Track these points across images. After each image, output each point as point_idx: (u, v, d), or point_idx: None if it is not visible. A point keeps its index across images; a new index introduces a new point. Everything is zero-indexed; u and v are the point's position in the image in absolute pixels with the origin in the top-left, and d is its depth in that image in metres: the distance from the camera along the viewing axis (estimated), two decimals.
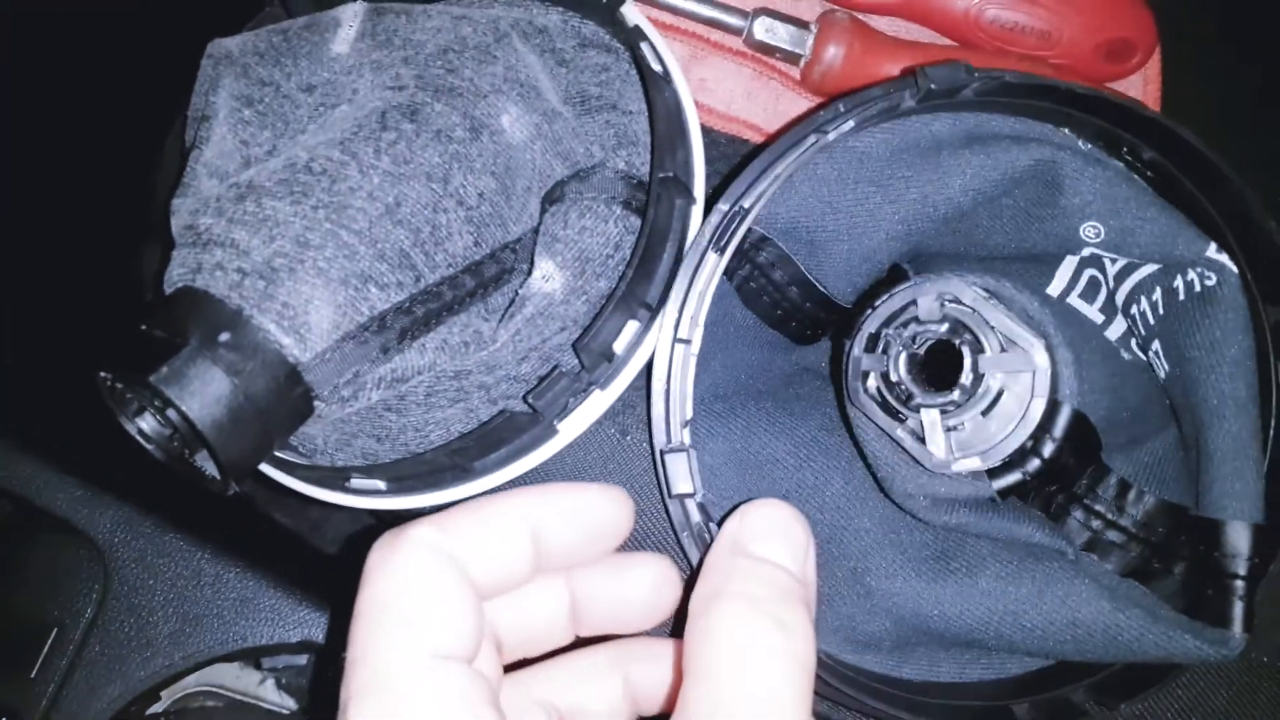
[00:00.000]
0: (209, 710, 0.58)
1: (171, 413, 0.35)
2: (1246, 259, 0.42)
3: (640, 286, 0.43)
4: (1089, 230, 0.44)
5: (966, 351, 0.43)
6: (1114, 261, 0.45)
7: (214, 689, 0.58)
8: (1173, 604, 0.41)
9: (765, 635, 0.29)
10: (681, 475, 0.41)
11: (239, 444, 0.36)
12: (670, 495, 0.41)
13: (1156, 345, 0.44)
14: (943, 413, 0.43)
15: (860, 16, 0.57)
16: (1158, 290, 0.44)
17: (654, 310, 0.44)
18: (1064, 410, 0.43)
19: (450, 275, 0.41)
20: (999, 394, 0.43)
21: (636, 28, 0.46)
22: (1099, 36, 0.55)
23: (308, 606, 0.53)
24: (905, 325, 0.45)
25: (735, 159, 0.58)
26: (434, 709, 0.26)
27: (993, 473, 0.44)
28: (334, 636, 0.52)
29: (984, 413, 0.43)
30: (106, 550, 0.52)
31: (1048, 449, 0.43)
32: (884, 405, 0.45)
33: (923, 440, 0.44)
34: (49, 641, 0.50)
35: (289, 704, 0.59)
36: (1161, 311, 0.43)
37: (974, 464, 0.43)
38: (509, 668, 0.34)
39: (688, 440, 0.41)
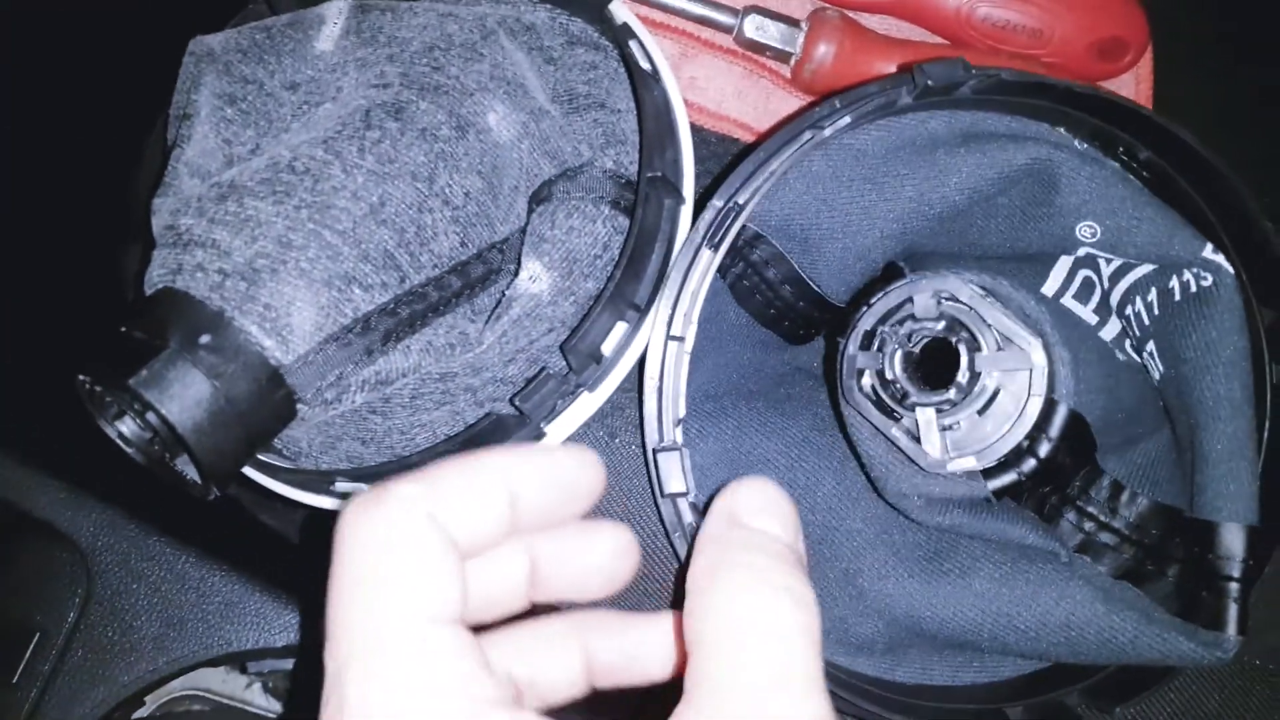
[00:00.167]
0: (195, 714, 0.57)
1: (151, 416, 0.35)
2: (1242, 260, 0.41)
3: (628, 287, 0.42)
4: (1085, 230, 0.43)
5: (963, 349, 0.43)
6: (1109, 262, 0.45)
7: (200, 693, 0.57)
8: (1166, 606, 0.41)
9: (774, 603, 0.29)
10: (674, 474, 0.40)
11: (220, 448, 0.36)
12: (663, 494, 0.40)
13: (1151, 346, 0.44)
14: (938, 411, 0.43)
15: (851, 14, 0.57)
16: (1153, 291, 0.43)
17: (642, 311, 0.43)
18: (1060, 410, 0.42)
19: (436, 276, 0.41)
20: (995, 393, 0.43)
21: (625, 25, 0.46)
22: (1091, 35, 0.54)
23: (293, 610, 0.52)
24: (901, 323, 0.44)
25: (726, 158, 0.57)
26: (436, 673, 0.25)
27: (988, 473, 0.44)
28: (313, 641, 0.52)
29: (980, 412, 0.43)
30: (89, 554, 0.51)
31: (1044, 449, 0.43)
32: (879, 403, 0.44)
33: (918, 439, 0.43)
34: (31, 647, 0.49)
35: (275, 708, 0.58)
36: (1157, 312, 0.43)
37: (969, 463, 0.43)
38: None
39: (680, 439, 0.41)
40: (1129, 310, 0.44)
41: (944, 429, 0.43)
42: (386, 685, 0.25)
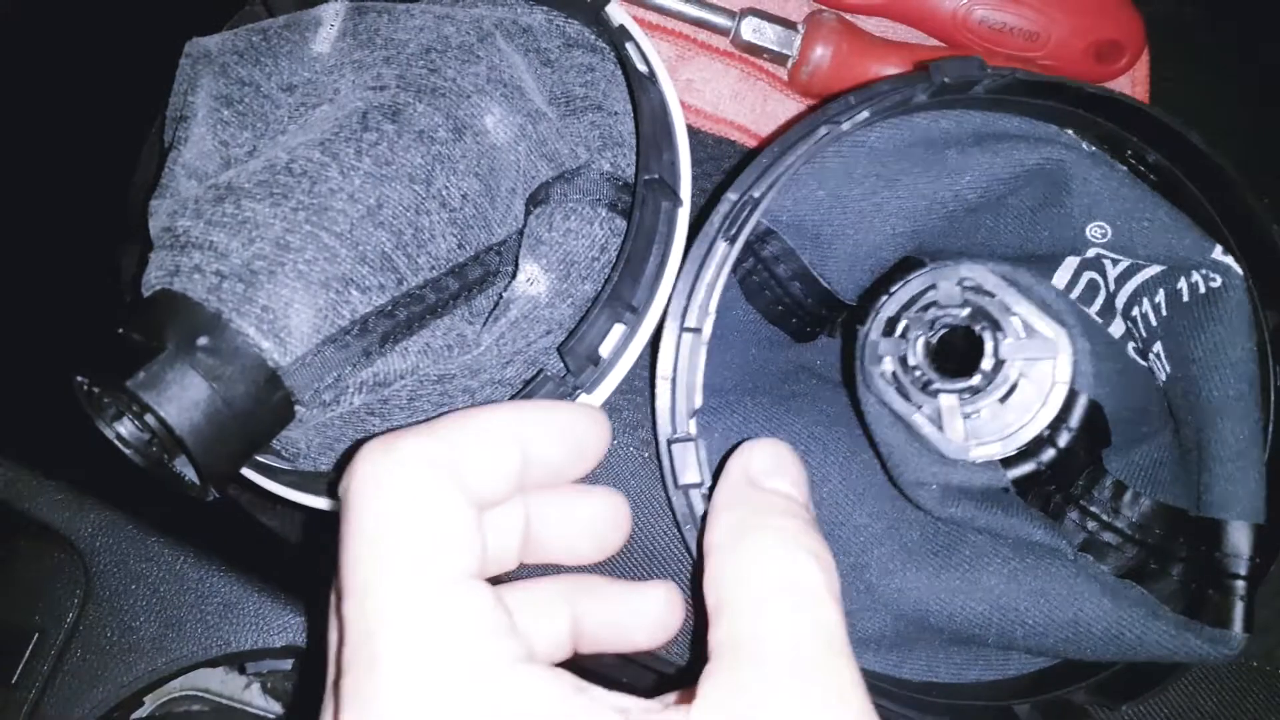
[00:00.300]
0: (194, 715, 0.57)
1: (149, 418, 0.35)
2: (1248, 263, 0.41)
3: (626, 289, 0.42)
4: (1095, 230, 0.43)
5: (988, 337, 0.42)
6: (1115, 263, 0.45)
7: (199, 693, 0.57)
8: (1170, 605, 0.41)
9: (803, 564, 0.29)
10: (689, 465, 0.40)
11: (218, 449, 0.36)
12: (676, 486, 0.40)
13: (1158, 347, 0.43)
14: (961, 398, 0.43)
15: (848, 17, 0.57)
16: (1161, 292, 0.43)
17: (639, 313, 0.43)
18: (1081, 400, 0.42)
19: (433, 278, 0.41)
20: (1017, 381, 0.42)
21: (621, 28, 0.46)
22: (1087, 38, 0.54)
23: (292, 611, 0.52)
24: (925, 309, 0.44)
25: (723, 160, 0.57)
26: (468, 630, 0.25)
27: (1007, 462, 0.43)
28: (316, 642, 0.52)
29: (1001, 400, 0.43)
30: (88, 554, 0.51)
31: (1063, 439, 0.43)
32: (900, 390, 0.44)
33: (939, 426, 0.43)
34: (30, 647, 0.49)
35: (274, 708, 0.58)
36: (1165, 313, 0.43)
37: (991, 451, 0.43)
38: None
39: (695, 430, 0.40)
40: (1135, 312, 0.44)
41: (966, 417, 0.43)
42: (422, 644, 0.25)
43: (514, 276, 0.42)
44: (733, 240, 0.41)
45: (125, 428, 0.37)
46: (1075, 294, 0.46)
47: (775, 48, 0.56)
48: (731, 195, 0.41)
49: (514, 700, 0.24)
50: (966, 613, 0.42)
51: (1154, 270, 0.43)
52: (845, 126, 0.42)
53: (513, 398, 0.42)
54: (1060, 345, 0.41)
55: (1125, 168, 0.44)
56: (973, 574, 0.42)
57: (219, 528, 0.55)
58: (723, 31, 0.56)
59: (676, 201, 0.44)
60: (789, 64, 0.56)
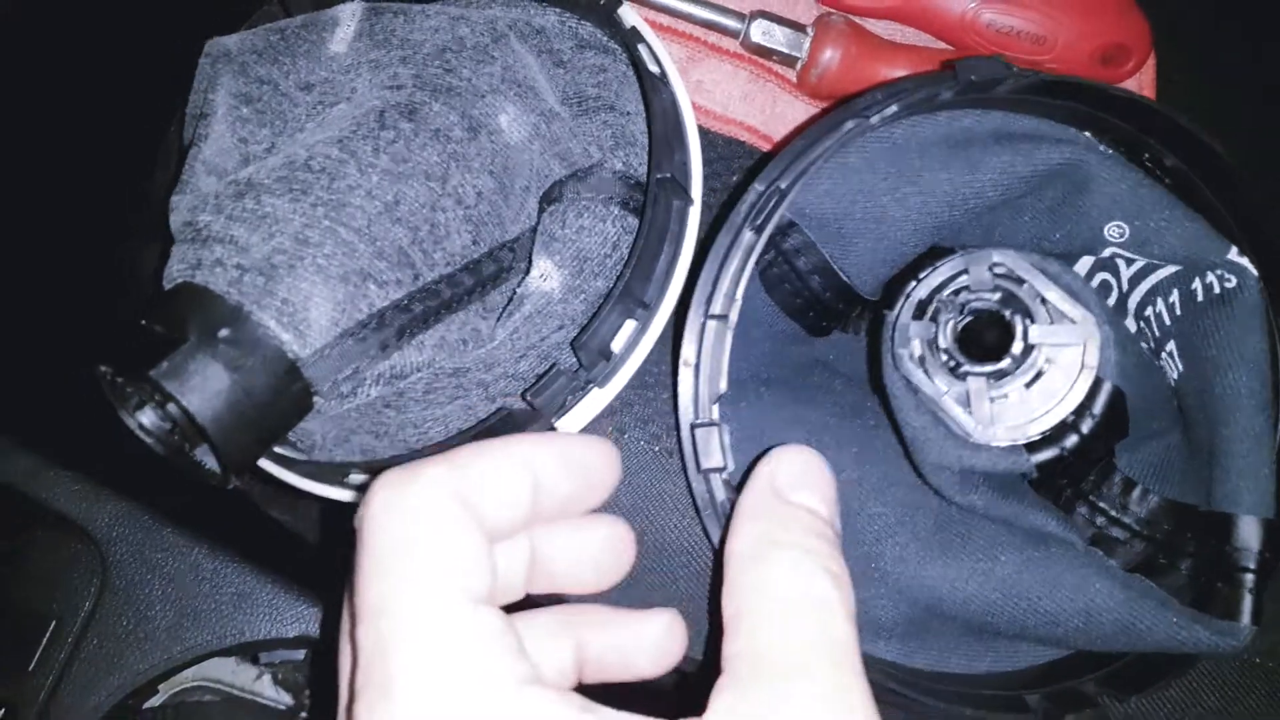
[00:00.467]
0: (205, 705, 0.58)
1: (172, 407, 0.36)
2: (1261, 265, 0.42)
3: (638, 286, 0.43)
4: (1113, 230, 0.44)
5: (1018, 322, 0.43)
6: (1130, 263, 0.45)
7: (210, 684, 0.58)
8: (1179, 598, 0.42)
9: (822, 588, 0.30)
10: (713, 450, 0.41)
11: (239, 438, 0.37)
12: (698, 470, 0.41)
13: (1171, 346, 0.44)
14: (989, 382, 0.43)
15: (856, 20, 0.58)
16: (1175, 292, 0.44)
17: (651, 309, 0.44)
18: (1105, 387, 0.43)
19: (449, 274, 0.42)
20: (1045, 366, 0.43)
21: (634, 29, 0.47)
22: (1094, 42, 0.55)
23: (305, 602, 0.53)
24: (956, 294, 0.45)
25: (732, 160, 0.58)
26: (481, 653, 0.26)
27: (1030, 447, 0.44)
28: (330, 631, 0.53)
29: (1028, 385, 0.43)
30: (104, 544, 0.52)
31: (1087, 425, 0.43)
32: (928, 373, 0.44)
33: (966, 409, 0.43)
34: (47, 635, 0.50)
35: (285, 699, 0.59)
36: (1179, 313, 0.43)
37: (1016, 435, 0.43)
38: None
39: (718, 415, 0.41)
40: (1149, 311, 0.45)
41: (992, 400, 0.43)
42: (435, 665, 0.25)
43: (528, 272, 0.43)
44: (759, 230, 0.41)
45: (147, 417, 0.38)
46: None
47: (784, 50, 0.56)
48: (759, 186, 0.42)
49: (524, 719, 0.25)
50: (980, 600, 0.43)
51: (1170, 270, 0.44)
52: (873, 120, 0.43)
53: (525, 391, 0.43)
54: (1089, 332, 0.42)
55: (1142, 170, 0.45)
56: (986, 562, 0.43)
57: (232, 521, 0.56)
58: (732, 34, 0.57)
59: (688, 200, 0.45)
60: (798, 66, 0.57)
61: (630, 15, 0.47)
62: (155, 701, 0.56)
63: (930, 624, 0.45)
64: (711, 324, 0.41)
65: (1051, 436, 0.43)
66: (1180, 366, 0.44)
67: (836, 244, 0.46)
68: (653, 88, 0.44)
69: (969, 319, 0.44)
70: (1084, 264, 0.47)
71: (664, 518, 0.52)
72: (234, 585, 0.52)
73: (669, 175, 0.43)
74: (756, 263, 0.44)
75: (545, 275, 0.43)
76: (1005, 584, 0.42)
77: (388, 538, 0.27)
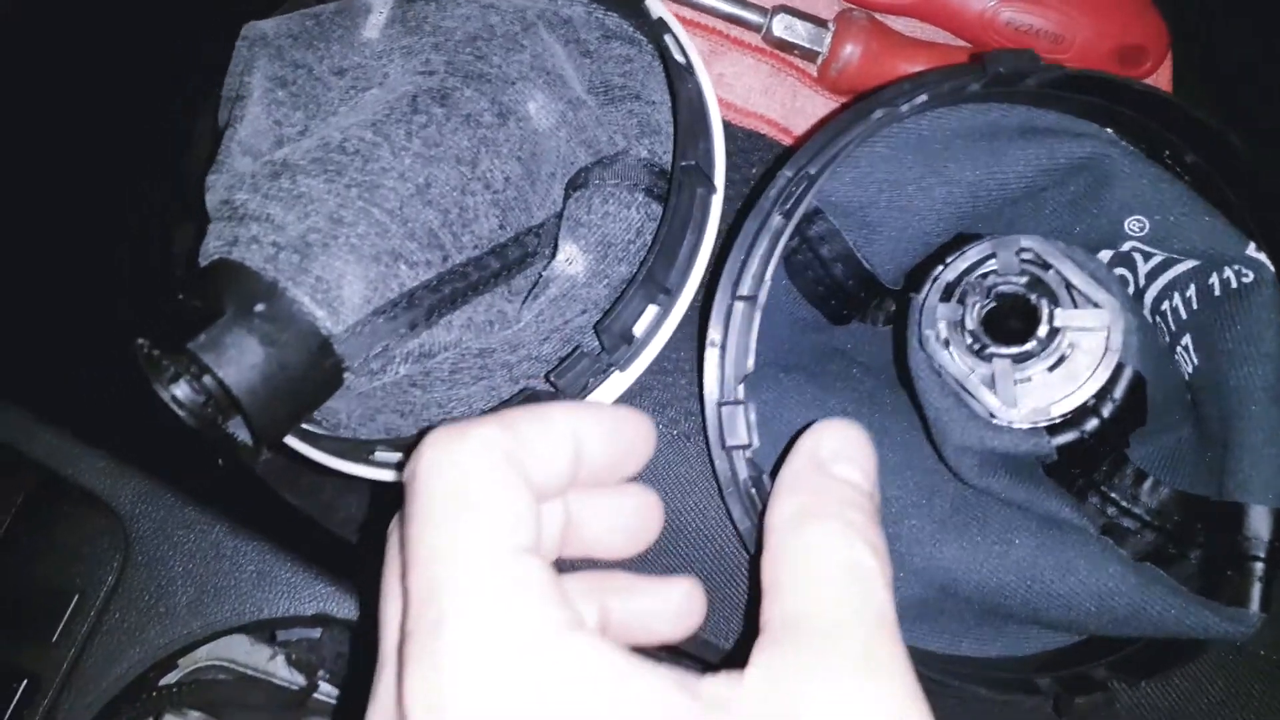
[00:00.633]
0: (220, 684, 0.59)
1: (207, 380, 0.37)
2: (1278, 264, 0.44)
3: (660, 271, 0.44)
4: (1134, 224, 0.45)
5: (1044, 305, 0.44)
6: (1148, 258, 0.46)
7: (225, 663, 0.59)
8: (1188, 587, 0.43)
9: (862, 556, 0.31)
10: (739, 427, 0.42)
11: (272, 411, 0.38)
12: (723, 447, 0.42)
13: (1187, 340, 0.45)
14: (1013, 364, 0.44)
15: (877, 16, 0.59)
16: (1192, 287, 0.45)
17: (673, 295, 0.45)
18: (1127, 372, 0.44)
19: (476, 256, 0.43)
20: (1070, 349, 0.44)
21: (660, 20, 0.48)
22: (1112, 41, 0.56)
23: (323, 582, 0.54)
24: (984, 277, 0.46)
25: (753, 154, 0.59)
26: (529, 599, 0.27)
27: (1051, 430, 0.45)
28: (345, 610, 0.54)
29: (1052, 368, 0.44)
30: (128, 521, 0.53)
31: (1107, 409, 0.44)
32: (953, 354, 0.45)
33: (991, 390, 0.45)
34: (70, 608, 0.52)
35: (298, 680, 0.60)
36: (1196, 307, 0.45)
37: (1038, 417, 0.44)
38: None
39: (744, 394, 0.42)
40: (1165, 306, 0.46)
41: (1016, 382, 0.45)
42: (485, 607, 0.27)
43: (553, 257, 0.45)
44: (788, 215, 0.43)
45: (181, 390, 0.39)
46: None
47: (806, 44, 0.58)
48: (787, 172, 0.43)
49: (569, 662, 0.26)
50: (995, 582, 0.44)
51: (1188, 265, 0.45)
52: (902, 110, 0.44)
53: (549, 373, 0.44)
54: (1113, 317, 0.43)
55: (1161, 167, 0.46)
56: (1002, 545, 0.44)
57: (251, 502, 0.58)
58: (755, 28, 0.59)
59: (711, 188, 0.46)
60: (819, 60, 0.58)
61: (657, 6, 0.48)
62: (171, 679, 0.57)
63: (944, 607, 0.46)
64: (739, 305, 0.43)
65: (1073, 420, 0.44)
66: (1195, 360, 0.46)
67: (861, 232, 0.48)
68: (679, 77, 0.46)
69: (995, 302, 0.45)
70: (1103, 257, 0.48)
71: (679, 501, 0.53)
72: (253, 564, 0.54)
73: (693, 163, 0.45)
74: (783, 249, 0.45)
75: (570, 260, 0.45)
76: (1020, 566, 0.44)
77: (440, 490, 0.29)
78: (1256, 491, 0.42)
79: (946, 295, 0.46)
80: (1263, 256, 0.43)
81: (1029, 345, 0.44)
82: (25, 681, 0.50)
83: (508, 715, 0.25)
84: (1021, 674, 0.45)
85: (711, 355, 0.43)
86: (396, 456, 0.46)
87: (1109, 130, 0.46)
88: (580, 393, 0.45)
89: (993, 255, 0.45)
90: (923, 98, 0.44)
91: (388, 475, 0.46)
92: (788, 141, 0.59)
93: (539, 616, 0.27)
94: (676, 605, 0.37)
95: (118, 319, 0.52)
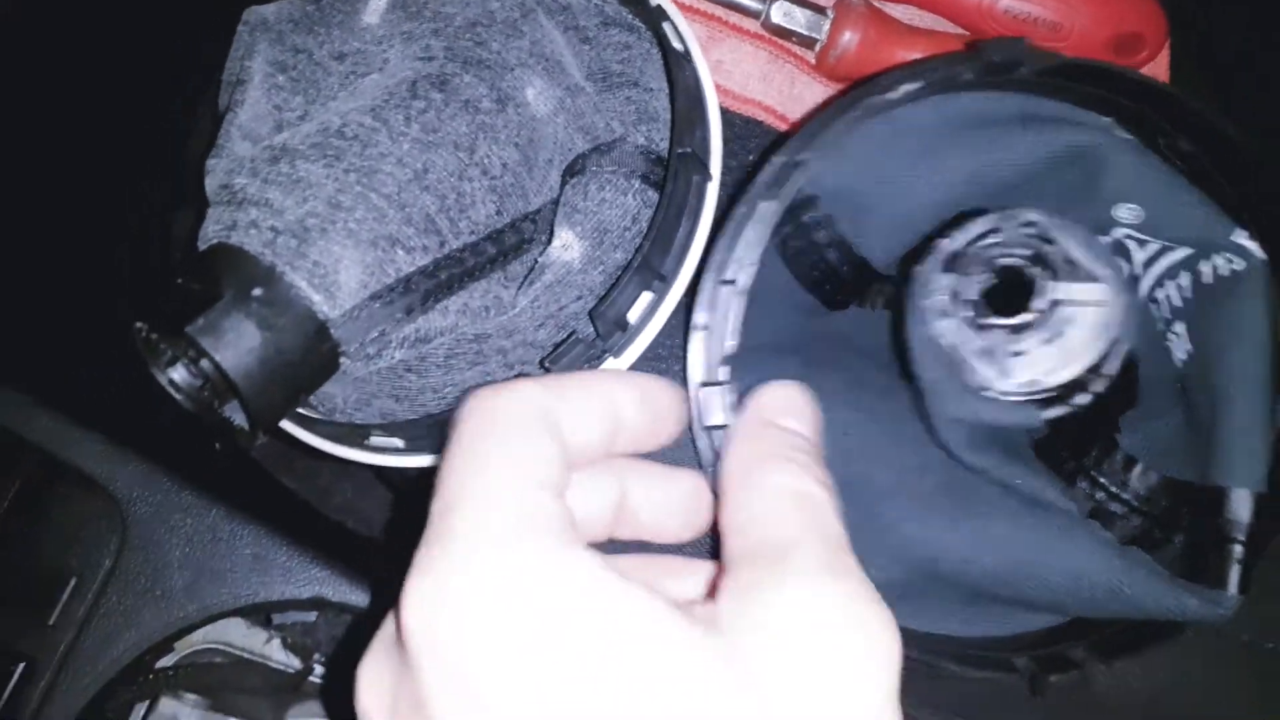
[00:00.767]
0: (216, 666, 0.60)
1: (205, 363, 0.38)
2: (1270, 252, 0.44)
3: (656, 258, 0.45)
4: (1123, 211, 0.46)
5: (1045, 278, 0.45)
6: (1143, 245, 0.47)
7: (221, 646, 0.60)
8: (1171, 571, 0.44)
9: (814, 489, 0.33)
10: (715, 408, 0.43)
11: (269, 395, 0.39)
12: (703, 427, 0.43)
13: (1180, 327, 0.46)
14: (1009, 335, 0.45)
15: (876, 3, 0.59)
16: (1186, 275, 0.46)
17: (668, 281, 0.46)
18: (1121, 349, 0.44)
19: (473, 242, 0.44)
20: (1066, 323, 0.45)
21: (658, 7, 0.49)
22: (1109, 29, 0.57)
23: (319, 565, 0.55)
24: (987, 248, 0.46)
25: (749, 140, 0.60)
26: (540, 525, 0.29)
27: (1043, 404, 0.46)
28: (341, 594, 0.55)
29: (1048, 340, 0.45)
30: (125, 504, 0.54)
31: (1099, 385, 0.45)
32: (950, 324, 0.46)
33: (987, 361, 0.45)
34: (67, 591, 0.52)
35: (294, 663, 0.61)
36: (1189, 294, 0.45)
37: (1031, 389, 0.45)
38: None
39: (724, 376, 0.43)
40: (1159, 294, 0.47)
41: (1013, 354, 0.45)
42: (492, 526, 0.28)
43: (549, 243, 0.45)
44: (776, 199, 0.44)
45: (179, 374, 0.40)
46: None
47: (804, 31, 0.58)
48: (778, 159, 0.44)
49: (568, 580, 0.28)
50: (977, 562, 0.45)
51: (1182, 253, 0.46)
52: (894, 98, 0.45)
53: (543, 359, 0.45)
54: (1112, 293, 0.44)
55: (1157, 155, 0.47)
56: (984, 523, 0.45)
57: (248, 486, 0.58)
58: (753, 14, 0.59)
59: (707, 175, 0.47)
60: (817, 48, 0.59)
61: None
62: (167, 662, 0.58)
63: (928, 589, 0.47)
64: (723, 289, 0.44)
65: (1064, 394, 0.45)
66: (1189, 347, 0.46)
67: (854, 218, 0.48)
68: (677, 64, 0.46)
69: (996, 274, 0.46)
70: None
71: None
72: (250, 547, 0.54)
73: (690, 150, 0.45)
74: (776, 234, 0.46)
75: (566, 246, 0.45)
76: (1001, 544, 0.44)
77: (471, 430, 0.31)
78: (1238, 475, 0.43)
79: (948, 266, 0.46)
80: (1251, 244, 0.44)
81: (1027, 317, 0.45)
82: (22, 664, 0.51)
83: (499, 620, 0.27)
84: (1000, 653, 0.46)
85: (696, 339, 0.44)
86: (393, 441, 0.47)
87: (1108, 119, 0.47)
88: None
89: (996, 229, 0.46)
90: (916, 85, 0.45)
91: (383, 460, 0.47)
92: (785, 128, 0.60)
93: (544, 538, 0.28)
94: (685, 496, 0.39)
95: (117, 303, 0.53)
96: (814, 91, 0.61)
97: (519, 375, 0.46)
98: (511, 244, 0.46)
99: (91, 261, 0.58)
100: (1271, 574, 0.43)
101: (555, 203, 0.47)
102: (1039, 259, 0.45)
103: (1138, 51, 0.58)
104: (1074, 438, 0.47)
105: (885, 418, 0.49)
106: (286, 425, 0.48)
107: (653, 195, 0.47)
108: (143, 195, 0.58)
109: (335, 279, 0.39)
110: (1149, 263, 0.47)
